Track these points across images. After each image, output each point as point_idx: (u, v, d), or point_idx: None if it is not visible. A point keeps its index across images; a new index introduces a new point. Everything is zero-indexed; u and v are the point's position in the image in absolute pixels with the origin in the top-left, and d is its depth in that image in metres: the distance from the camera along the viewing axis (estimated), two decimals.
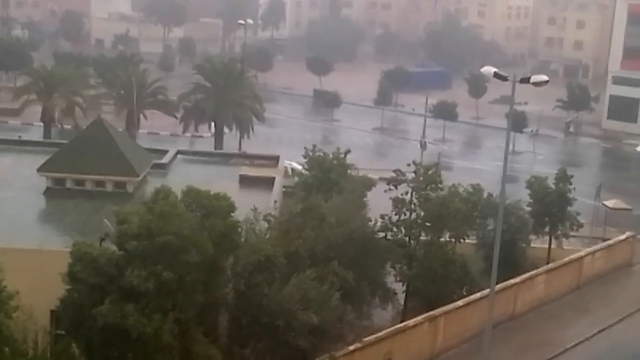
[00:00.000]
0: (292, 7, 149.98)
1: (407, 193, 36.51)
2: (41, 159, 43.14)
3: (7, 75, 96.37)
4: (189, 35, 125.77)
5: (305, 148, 41.24)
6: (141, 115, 71.49)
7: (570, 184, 42.03)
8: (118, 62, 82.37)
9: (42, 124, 70.63)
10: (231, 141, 71.25)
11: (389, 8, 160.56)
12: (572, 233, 42.68)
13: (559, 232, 42.16)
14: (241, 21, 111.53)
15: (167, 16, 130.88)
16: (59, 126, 73.10)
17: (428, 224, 36.10)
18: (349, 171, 40.27)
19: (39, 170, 42.11)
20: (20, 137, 62.19)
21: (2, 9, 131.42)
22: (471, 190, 38.82)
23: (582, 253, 42.43)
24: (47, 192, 41.94)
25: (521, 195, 42.86)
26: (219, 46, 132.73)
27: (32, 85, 72.37)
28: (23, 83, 77.85)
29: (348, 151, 41.20)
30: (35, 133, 70.68)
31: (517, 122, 74.85)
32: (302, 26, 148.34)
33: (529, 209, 41.42)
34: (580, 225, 42.42)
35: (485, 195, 39.30)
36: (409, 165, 37.60)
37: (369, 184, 41.03)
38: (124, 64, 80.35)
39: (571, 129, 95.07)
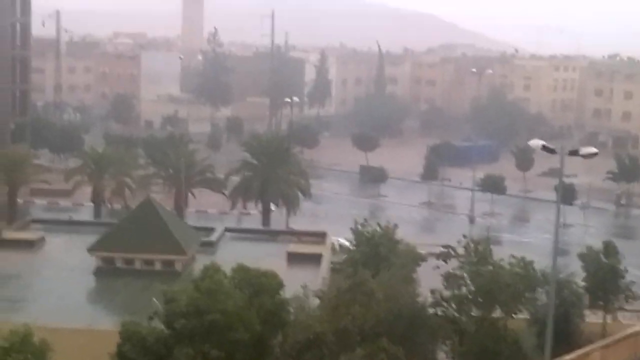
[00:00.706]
0: (338, 84, 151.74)
1: (457, 268, 36.11)
2: (91, 239, 43.69)
3: (59, 157, 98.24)
4: (236, 114, 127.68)
5: (355, 221, 41.16)
6: (189, 194, 72.09)
7: (620, 256, 41.10)
8: (167, 142, 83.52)
9: (92, 204, 71.55)
10: (278, 218, 71.36)
11: (434, 84, 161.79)
12: (627, 306, 41.60)
13: (614, 305, 41.11)
14: (287, 99, 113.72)
15: (215, 96, 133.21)
16: (109, 206, 73.92)
17: (480, 299, 35.49)
18: (397, 246, 40.00)
19: (89, 250, 42.61)
20: (71, 217, 63.18)
21: (55, 94, 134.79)
22: (522, 264, 38.17)
23: (638, 327, 41.28)
24: (97, 271, 42.36)
25: (573, 268, 41.99)
26: (265, 124, 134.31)
27: (83, 167, 73.56)
28: (74, 165, 79.29)
29: (396, 226, 41.01)
30: (86, 213, 71.54)
31: (567, 195, 73.93)
32: (347, 103, 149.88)
33: (582, 283, 40.48)
34: (636, 298, 41.35)
35: (536, 269, 38.58)
36: (458, 241, 37.23)
37: (418, 258, 40.59)
38: (173, 144, 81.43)
39: (622, 201, 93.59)
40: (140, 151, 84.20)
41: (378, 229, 40.27)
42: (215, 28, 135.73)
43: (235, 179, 74.27)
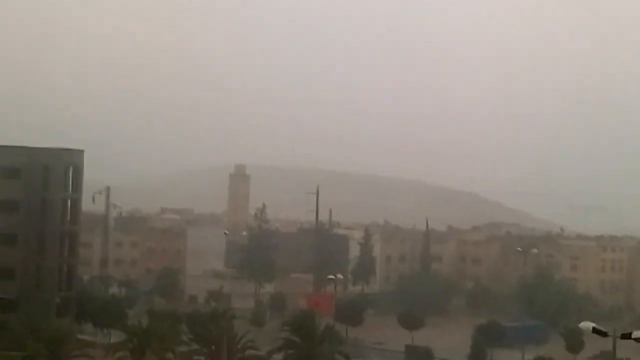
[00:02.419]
0: (382, 261, 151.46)
1: None
2: None
3: (102, 332, 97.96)
4: (279, 290, 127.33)
5: None
6: None
7: None
8: (210, 317, 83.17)
9: None
10: None
11: (480, 262, 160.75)
12: None
13: None
14: (331, 276, 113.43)
15: (258, 272, 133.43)
16: None
17: None
18: None
19: None
20: None
21: (101, 268, 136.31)
22: None
23: None
24: None
25: None
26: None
27: (126, 342, 73.10)
28: (117, 339, 78.85)
29: None
30: None
31: None
32: (392, 280, 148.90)
33: None
34: None
35: None
36: None
37: None
38: (216, 319, 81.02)
39: None
40: (184, 327, 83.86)
41: None
42: (263, 204, 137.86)
43: (277, 357, 73.09)
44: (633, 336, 29.05)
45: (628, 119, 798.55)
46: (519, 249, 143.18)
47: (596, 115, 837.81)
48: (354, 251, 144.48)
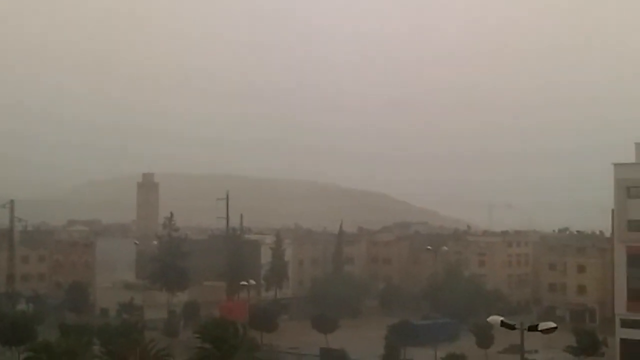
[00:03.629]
0: (295, 265, 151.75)
1: None
2: None
3: (11, 350, 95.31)
4: (192, 299, 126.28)
5: None
6: None
7: None
8: (122, 330, 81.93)
9: None
10: None
11: (390, 262, 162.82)
12: None
13: None
14: (244, 282, 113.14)
15: (171, 281, 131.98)
16: None
17: None
18: None
19: None
20: None
21: (7, 284, 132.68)
22: None
23: None
24: None
25: None
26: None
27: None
28: (26, 356, 76.79)
29: None
30: None
31: None
32: (305, 284, 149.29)
33: None
34: None
35: None
36: None
37: None
38: (128, 331, 79.86)
39: None
40: (96, 340, 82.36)
41: None
42: (171, 213, 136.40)
43: None
44: (540, 328, 29.91)
45: (530, 120, 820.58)
46: (429, 247, 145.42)
47: (496, 116, 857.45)
48: (266, 256, 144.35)
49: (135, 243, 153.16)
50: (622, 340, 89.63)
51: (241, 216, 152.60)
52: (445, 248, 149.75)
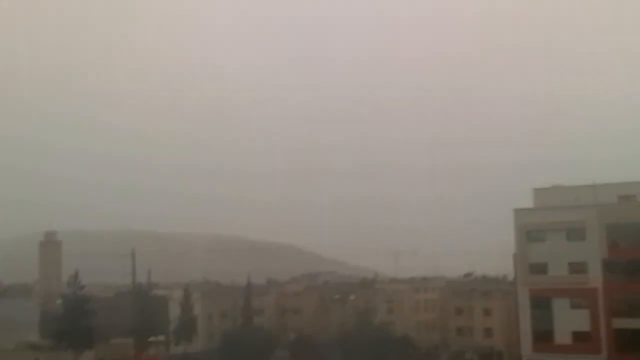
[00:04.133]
0: (204, 319, 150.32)
1: None
2: None
3: None
4: (100, 357, 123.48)
5: None
6: None
7: None
8: None
9: None
10: None
11: (300, 313, 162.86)
12: None
13: None
14: (153, 338, 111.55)
15: (76, 340, 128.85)
16: None
17: None
18: None
19: None
20: None
21: None
22: None
23: None
24: None
25: None
26: None
27: None
28: None
29: None
30: None
31: None
32: (215, 338, 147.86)
33: None
34: None
35: None
36: None
37: None
38: None
39: None
40: None
41: None
42: (76, 270, 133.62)
43: None
44: None
45: (426, 166, 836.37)
46: (337, 296, 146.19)
47: (396, 161, 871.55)
48: (175, 311, 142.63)
49: (38, 303, 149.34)
50: None
51: (149, 271, 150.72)
52: (352, 297, 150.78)
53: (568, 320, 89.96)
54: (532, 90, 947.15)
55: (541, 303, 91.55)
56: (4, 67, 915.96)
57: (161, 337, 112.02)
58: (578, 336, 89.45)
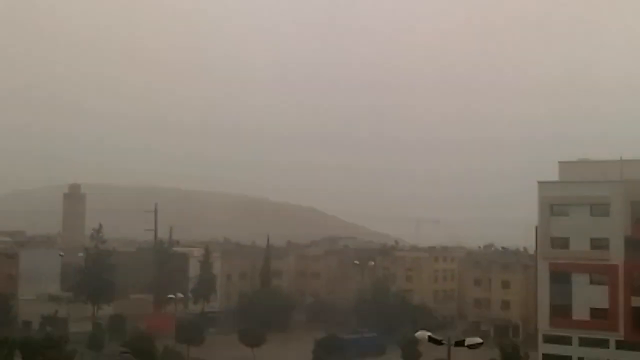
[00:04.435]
0: (223, 279, 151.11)
1: None
2: None
3: None
4: (119, 312, 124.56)
5: None
6: None
7: None
8: (45, 343, 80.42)
9: None
10: None
11: (319, 277, 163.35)
12: None
13: None
14: (171, 295, 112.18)
15: (96, 294, 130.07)
16: None
17: None
18: None
19: None
20: None
21: None
22: None
23: None
24: None
25: None
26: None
27: None
28: None
29: None
30: None
31: None
32: (233, 298, 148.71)
33: None
34: None
35: None
36: None
37: None
38: (51, 345, 78.47)
39: None
40: (18, 353, 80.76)
41: None
42: (100, 224, 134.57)
43: None
44: (466, 343, 30.49)
45: (453, 139, 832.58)
46: (356, 262, 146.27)
47: (426, 133, 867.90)
48: (194, 269, 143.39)
49: (60, 255, 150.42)
50: (545, 356, 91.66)
51: (170, 229, 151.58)
52: (372, 263, 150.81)
53: (587, 296, 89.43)
54: (559, 64, 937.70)
55: (561, 278, 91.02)
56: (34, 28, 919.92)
57: (180, 295, 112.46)
58: (596, 313, 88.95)
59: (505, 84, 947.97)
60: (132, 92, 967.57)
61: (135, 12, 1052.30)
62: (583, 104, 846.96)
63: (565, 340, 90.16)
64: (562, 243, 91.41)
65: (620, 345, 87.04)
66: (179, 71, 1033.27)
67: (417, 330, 32.56)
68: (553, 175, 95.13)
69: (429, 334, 30.38)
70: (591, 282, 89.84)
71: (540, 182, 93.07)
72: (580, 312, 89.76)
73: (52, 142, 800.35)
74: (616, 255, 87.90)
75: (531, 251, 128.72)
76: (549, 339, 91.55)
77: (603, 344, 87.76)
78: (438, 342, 30.02)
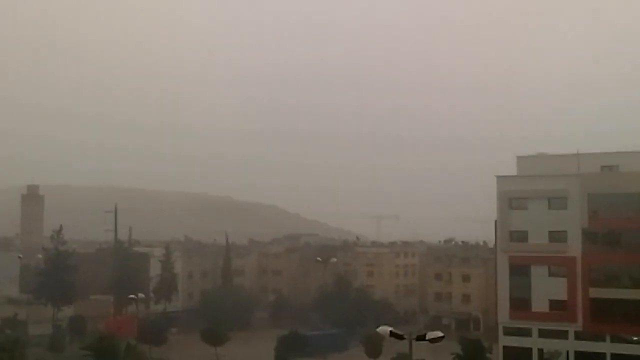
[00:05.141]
0: (184, 278, 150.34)
1: None
2: None
3: None
4: (79, 313, 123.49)
5: None
6: None
7: None
8: (4, 346, 79.43)
9: None
10: None
11: (280, 274, 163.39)
12: None
13: None
14: (132, 296, 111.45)
15: (56, 296, 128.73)
16: None
17: None
18: None
19: None
20: None
21: None
22: None
23: None
24: None
25: None
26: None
27: None
28: None
29: None
30: None
31: None
32: (195, 297, 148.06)
33: None
34: None
35: None
36: None
37: None
38: (11, 347, 77.54)
39: None
40: None
41: None
42: (60, 225, 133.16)
43: None
44: (428, 337, 30.73)
45: (415, 136, 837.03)
46: (319, 258, 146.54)
47: (387, 129, 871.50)
48: (155, 269, 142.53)
49: (19, 257, 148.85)
50: (505, 348, 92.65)
51: (130, 229, 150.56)
52: (334, 259, 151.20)
53: (545, 289, 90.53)
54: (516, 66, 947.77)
55: (520, 270, 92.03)
56: None
57: (141, 295, 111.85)
58: (555, 304, 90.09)
59: (461, 82, 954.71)
60: (89, 90, 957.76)
61: (99, 12, 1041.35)
62: (540, 103, 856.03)
63: (525, 332, 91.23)
64: (521, 236, 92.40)
65: (579, 335, 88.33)
66: (137, 67, 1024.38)
67: (379, 326, 32.74)
68: (511, 170, 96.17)
69: (391, 329, 30.61)
70: (550, 274, 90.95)
71: (498, 177, 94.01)
72: (539, 304, 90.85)
73: (8, 142, 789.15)
74: (574, 247, 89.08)
75: (491, 245, 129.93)
76: (509, 331, 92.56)
77: (562, 334, 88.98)
78: (400, 337, 30.24)
